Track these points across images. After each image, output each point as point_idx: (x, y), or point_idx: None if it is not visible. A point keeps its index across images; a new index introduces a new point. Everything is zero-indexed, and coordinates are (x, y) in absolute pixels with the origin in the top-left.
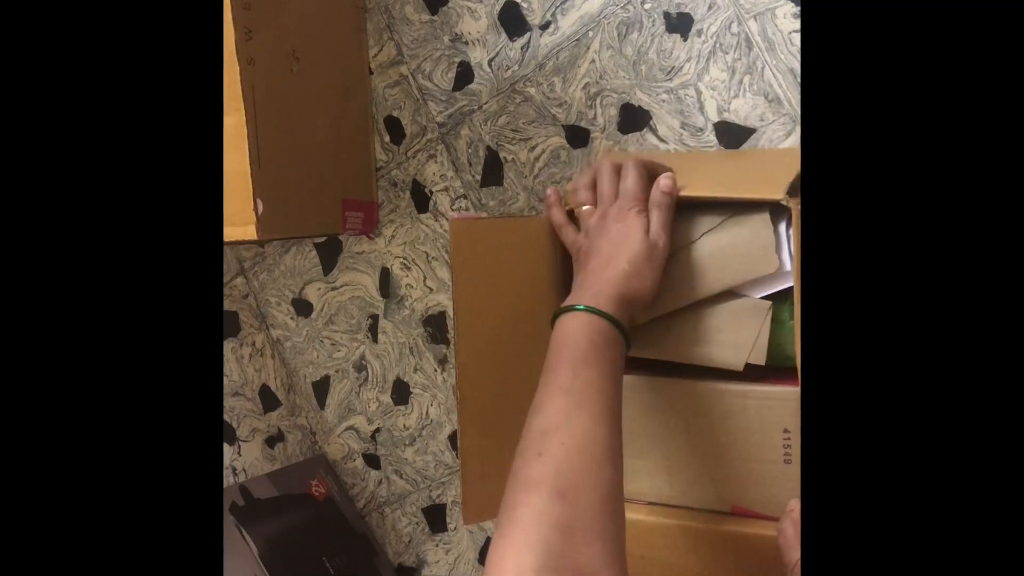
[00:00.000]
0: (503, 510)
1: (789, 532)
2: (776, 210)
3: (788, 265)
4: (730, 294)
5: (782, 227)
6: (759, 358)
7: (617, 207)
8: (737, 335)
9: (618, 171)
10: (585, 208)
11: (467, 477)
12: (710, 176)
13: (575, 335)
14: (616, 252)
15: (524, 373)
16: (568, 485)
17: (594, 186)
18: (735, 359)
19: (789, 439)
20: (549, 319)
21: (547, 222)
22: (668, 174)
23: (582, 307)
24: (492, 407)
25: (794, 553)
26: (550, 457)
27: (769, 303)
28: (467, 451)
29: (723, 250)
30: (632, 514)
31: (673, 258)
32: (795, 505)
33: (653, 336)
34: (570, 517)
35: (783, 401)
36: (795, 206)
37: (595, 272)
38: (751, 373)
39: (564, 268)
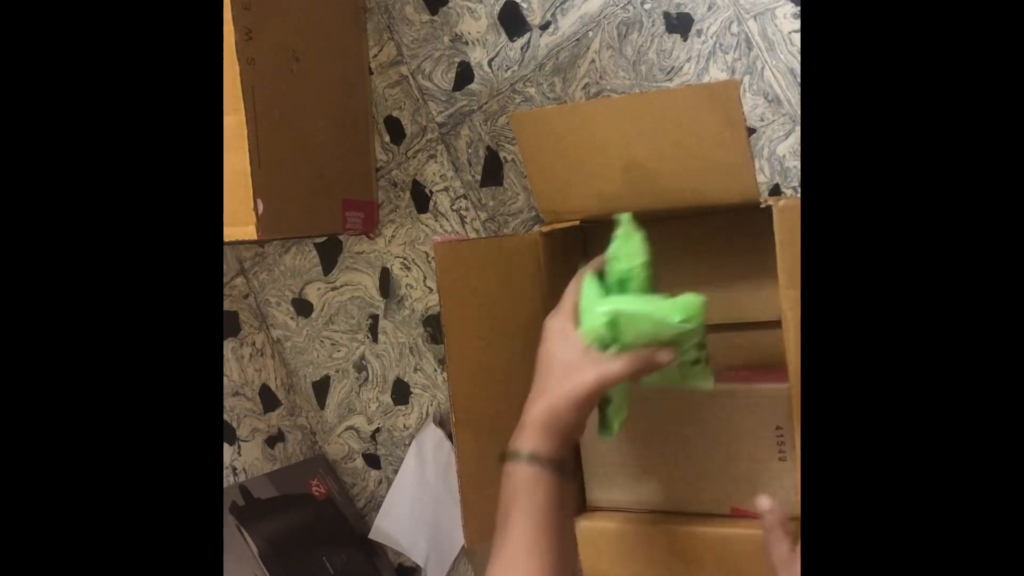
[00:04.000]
0: None
1: (770, 538)
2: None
3: None
4: None
5: None
6: None
7: None
8: None
9: None
10: None
11: (467, 500)
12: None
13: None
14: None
15: (518, 392)
16: None
17: None
18: None
19: (782, 436)
20: (540, 335)
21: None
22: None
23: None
24: (487, 429)
25: (779, 551)
26: None
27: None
28: (465, 474)
29: None
30: (633, 524)
31: None
32: (773, 506)
33: None
34: None
35: (773, 399)
36: (775, 204)
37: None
38: (741, 372)
39: (551, 284)
